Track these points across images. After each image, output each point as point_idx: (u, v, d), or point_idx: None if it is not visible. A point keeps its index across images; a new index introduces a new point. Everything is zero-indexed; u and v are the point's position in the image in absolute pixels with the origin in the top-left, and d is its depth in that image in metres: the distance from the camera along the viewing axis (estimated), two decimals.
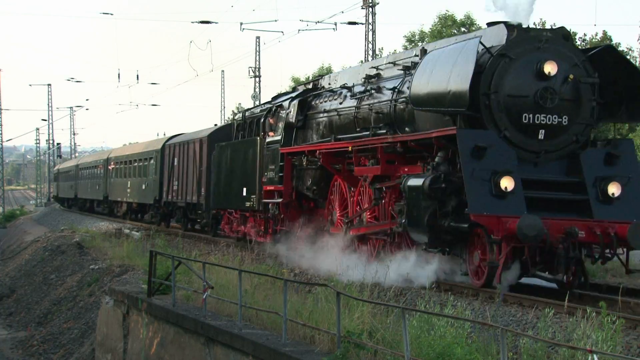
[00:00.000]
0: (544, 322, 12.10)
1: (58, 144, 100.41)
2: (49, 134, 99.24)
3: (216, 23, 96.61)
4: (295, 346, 12.11)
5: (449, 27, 52.30)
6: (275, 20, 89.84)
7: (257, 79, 65.24)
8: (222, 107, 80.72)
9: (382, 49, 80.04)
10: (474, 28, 51.96)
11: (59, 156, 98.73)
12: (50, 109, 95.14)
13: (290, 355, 11.52)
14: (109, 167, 53.12)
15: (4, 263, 48.95)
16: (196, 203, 34.45)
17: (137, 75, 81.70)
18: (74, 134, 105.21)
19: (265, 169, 24.29)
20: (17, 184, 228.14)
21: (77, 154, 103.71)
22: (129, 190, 47.10)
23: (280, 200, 23.28)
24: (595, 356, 7.34)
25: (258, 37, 65.28)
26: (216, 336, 14.11)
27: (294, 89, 26.94)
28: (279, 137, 23.71)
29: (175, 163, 37.64)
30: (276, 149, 23.61)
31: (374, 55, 41.11)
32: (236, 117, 29.66)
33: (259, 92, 65.03)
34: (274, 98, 26.24)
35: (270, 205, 24.13)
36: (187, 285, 17.84)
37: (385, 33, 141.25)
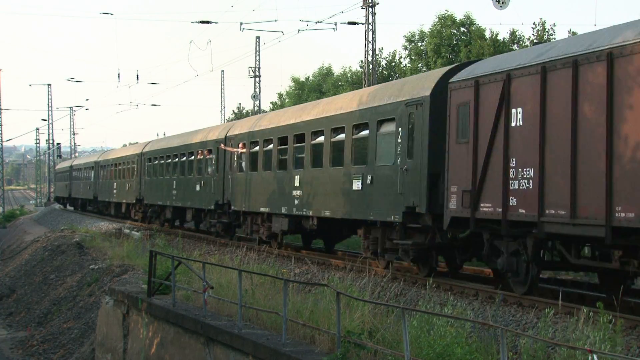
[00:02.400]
0: (544, 322, 12.12)
1: (58, 144, 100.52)
2: (49, 134, 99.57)
3: (216, 23, 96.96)
4: (296, 346, 12.12)
5: (449, 27, 52.27)
6: (275, 20, 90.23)
7: (257, 79, 65.31)
8: (222, 107, 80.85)
9: (382, 49, 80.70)
10: (473, 28, 51.95)
11: (59, 156, 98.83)
12: (50, 109, 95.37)
13: (290, 355, 11.53)
14: (236, 151, 29.34)
15: (4, 263, 48.95)
16: None
17: (137, 75, 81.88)
18: (74, 134, 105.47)
19: None
20: (17, 184, 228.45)
21: (77, 154, 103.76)
22: (320, 195, 22.67)
23: None
24: (594, 356, 7.34)
25: (258, 37, 65.44)
26: (216, 336, 14.12)
27: None
28: None
29: (521, 120, 14.92)
30: None
31: (374, 55, 41.09)
32: None
33: (259, 92, 65.07)
34: None
35: None
36: (187, 285, 17.87)
37: (385, 33, 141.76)
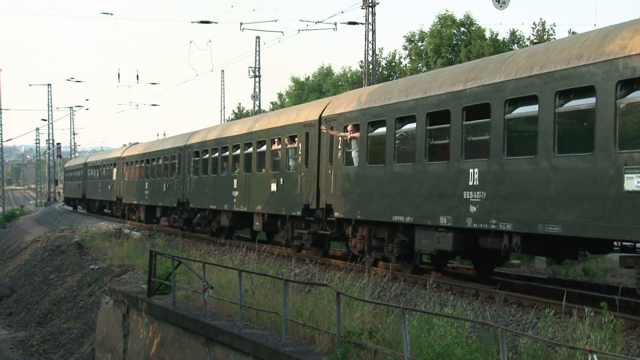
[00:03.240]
0: (544, 322, 12.12)
1: (58, 144, 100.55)
2: (49, 134, 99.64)
3: (216, 23, 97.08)
4: (296, 346, 12.12)
5: (449, 27, 52.31)
6: (275, 20, 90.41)
7: (257, 79, 65.34)
8: (222, 107, 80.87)
9: (382, 49, 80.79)
10: (473, 28, 51.96)
11: (59, 156, 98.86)
12: (50, 109, 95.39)
13: (290, 355, 11.53)
14: (343, 136, 21.43)
15: (4, 263, 48.95)
16: None
17: (137, 75, 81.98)
18: (74, 134, 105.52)
19: None
20: (17, 184, 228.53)
21: (76, 154, 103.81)
22: (526, 200, 14.89)
23: None
24: (594, 356, 7.34)
25: (258, 37, 65.51)
26: (216, 336, 14.13)
27: None
28: None
29: None
30: None
31: (374, 55, 41.10)
32: None
33: (259, 92, 65.12)
34: None
35: None
36: (187, 285, 17.88)
37: (385, 33, 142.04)
